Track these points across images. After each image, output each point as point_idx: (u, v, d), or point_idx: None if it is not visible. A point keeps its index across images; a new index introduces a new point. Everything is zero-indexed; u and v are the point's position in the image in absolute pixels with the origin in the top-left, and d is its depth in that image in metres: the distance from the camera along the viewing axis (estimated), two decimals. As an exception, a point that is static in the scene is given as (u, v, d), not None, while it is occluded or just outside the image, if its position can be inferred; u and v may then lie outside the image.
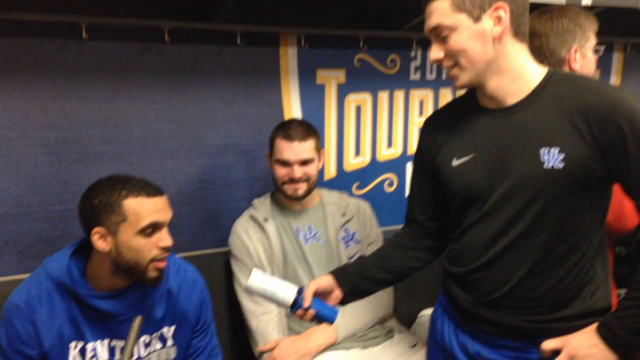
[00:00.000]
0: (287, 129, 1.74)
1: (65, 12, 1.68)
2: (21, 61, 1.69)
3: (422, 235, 1.38)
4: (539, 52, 1.41)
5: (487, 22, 1.11)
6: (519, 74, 1.15)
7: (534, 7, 1.39)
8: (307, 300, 1.25)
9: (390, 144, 2.30)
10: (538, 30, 1.42)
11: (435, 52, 1.15)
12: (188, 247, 2.00)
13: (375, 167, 2.29)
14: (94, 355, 1.29)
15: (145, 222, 1.24)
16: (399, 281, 1.41)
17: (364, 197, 2.18)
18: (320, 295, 1.30)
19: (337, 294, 1.33)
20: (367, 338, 1.76)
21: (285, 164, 1.73)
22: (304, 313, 1.27)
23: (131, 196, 1.24)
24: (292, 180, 1.73)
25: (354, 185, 2.26)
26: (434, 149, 1.28)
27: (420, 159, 1.34)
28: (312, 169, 1.76)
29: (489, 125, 1.19)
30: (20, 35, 1.68)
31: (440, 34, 1.13)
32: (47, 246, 1.78)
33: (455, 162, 1.22)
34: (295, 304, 1.26)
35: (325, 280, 1.32)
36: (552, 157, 1.10)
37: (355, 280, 1.34)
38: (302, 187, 1.75)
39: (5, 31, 1.65)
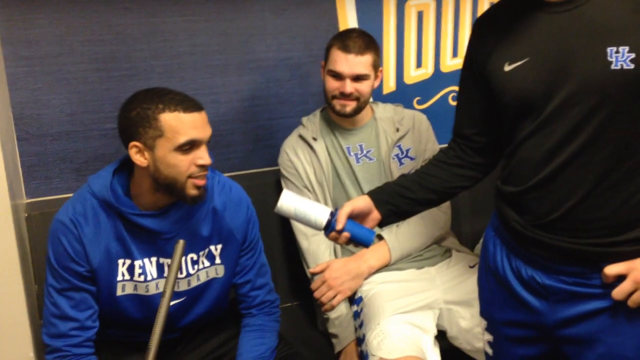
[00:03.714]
0: (345, 39, 1.61)
1: None
2: (63, -28, 1.64)
3: (471, 151, 1.27)
4: None
5: None
6: None
7: None
8: (341, 223, 1.18)
9: (455, 53, 2.11)
10: None
11: None
12: (241, 165, 1.97)
13: (439, 79, 2.13)
14: (143, 272, 1.30)
15: (182, 139, 1.19)
16: (444, 201, 1.33)
17: (426, 111, 2.03)
18: (358, 218, 1.23)
19: (375, 215, 1.25)
20: (422, 258, 1.69)
21: (338, 76, 1.62)
22: (338, 236, 1.20)
23: (168, 110, 1.19)
24: (343, 95, 1.62)
25: (415, 100, 2.12)
26: (484, 53, 1.15)
27: (469, 65, 1.22)
28: (365, 87, 1.63)
29: (547, 23, 1.04)
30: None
31: None
32: (102, 164, 1.76)
33: (508, 67, 1.08)
34: (329, 226, 1.19)
35: (362, 201, 1.24)
36: (621, 57, 0.95)
37: (394, 201, 1.26)
38: (351, 105, 1.63)
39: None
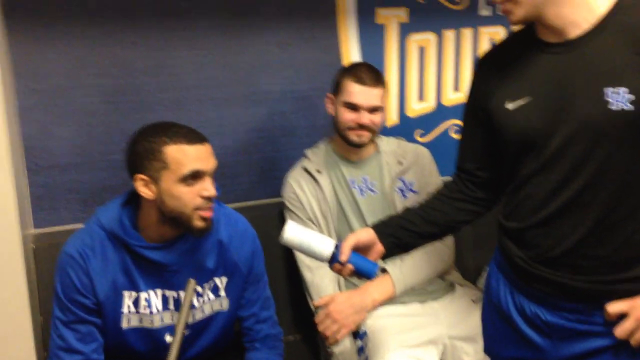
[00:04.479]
0: (358, 72, 1.66)
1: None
2: (73, 8, 1.68)
3: (473, 186, 1.28)
4: None
5: None
6: (582, 0, 1.01)
7: None
8: (345, 254, 1.18)
9: (457, 87, 2.14)
10: None
11: None
12: (245, 197, 1.98)
13: (440, 113, 2.15)
14: (148, 305, 1.31)
15: (186, 170, 1.21)
16: (447, 235, 1.34)
17: (428, 144, 2.06)
18: (361, 250, 1.23)
19: (379, 248, 1.25)
20: (426, 292, 1.70)
21: (354, 108, 1.65)
22: (342, 268, 1.20)
23: (172, 143, 1.22)
24: (359, 127, 1.66)
25: (417, 132, 2.14)
26: (487, 90, 1.17)
27: (472, 101, 1.24)
28: (379, 118, 1.68)
29: (548, 63, 1.06)
30: (72, -19, 1.66)
31: None
32: (109, 195, 1.80)
33: (510, 106, 1.10)
34: (333, 258, 1.20)
35: (366, 234, 1.25)
36: (619, 98, 0.97)
37: (398, 234, 1.27)
38: (366, 135, 1.67)
39: (57, -22, 1.63)
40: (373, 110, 1.66)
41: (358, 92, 1.64)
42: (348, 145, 1.71)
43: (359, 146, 1.69)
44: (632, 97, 0.96)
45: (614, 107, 0.97)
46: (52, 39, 1.68)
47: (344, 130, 1.68)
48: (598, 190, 1.03)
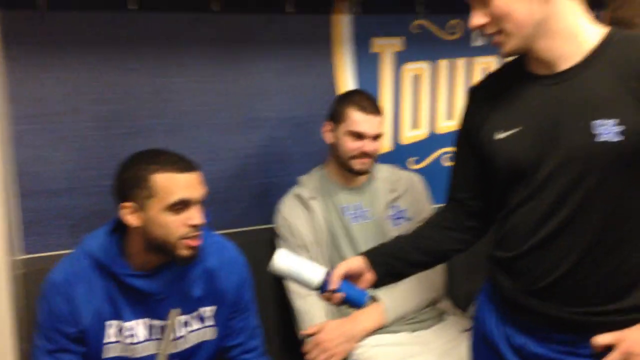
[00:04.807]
0: (360, 100, 1.68)
1: (113, -17, 1.67)
2: (72, 35, 1.70)
3: (464, 215, 1.28)
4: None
5: None
6: (572, 34, 1.03)
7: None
8: (335, 283, 1.18)
9: (450, 116, 2.16)
10: None
11: (477, 18, 1.05)
12: (238, 223, 1.97)
13: (433, 141, 2.16)
14: (132, 335, 1.30)
15: (173, 198, 1.21)
16: (438, 264, 1.34)
17: (421, 172, 2.06)
18: (352, 278, 1.23)
19: (370, 276, 1.25)
20: (416, 321, 1.68)
21: (359, 136, 1.67)
22: (332, 296, 1.20)
23: (161, 171, 1.22)
24: (363, 154, 1.67)
25: (411, 160, 2.15)
26: (478, 121, 1.18)
27: (463, 131, 1.25)
28: (379, 145, 1.72)
29: (538, 94, 1.08)
30: (69, 8, 1.68)
31: None
32: (98, 221, 1.77)
33: (500, 136, 1.11)
34: (323, 286, 1.19)
35: (357, 262, 1.25)
36: (607, 129, 0.98)
37: (388, 262, 1.27)
38: (369, 163, 1.69)
39: (55, 5, 1.65)
40: (376, 137, 1.68)
41: (363, 121, 1.65)
42: (347, 173, 1.72)
43: (361, 174, 1.71)
44: (622, 127, 0.97)
45: (601, 139, 0.99)
46: (49, 64, 1.69)
47: (348, 159, 1.68)
48: (585, 220, 1.03)
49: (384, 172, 1.80)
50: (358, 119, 1.66)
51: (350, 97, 1.71)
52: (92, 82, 1.75)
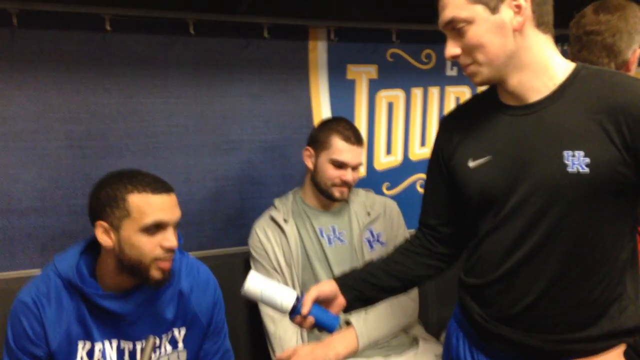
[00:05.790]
0: (345, 130, 1.69)
1: (89, 3, 1.67)
2: (45, 54, 1.69)
3: (435, 242, 1.29)
4: (608, 50, 1.35)
5: (506, 12, 1.02)
6: (542, 68, 1.06)
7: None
8: (306, 307, 1.17)
9: (423, 142, 2.20)
10: (611, 26, 1.35)
11: (451, 49, 1.07)
12: (211, 245, 1.96)
13: (407, 167, 2.20)
14: (102, 356, 1.26)
15: (148, 220, 1.20)
16: (408, 289, 1.34)
17: (395, 197, 2.09)
18: (323, 303, 1.23)
19: (341, 300, 1.25)
20: (389, 347, 1.68)
21: (341, 165, 1.68)
22: (303, 320, 1.19)
23: (137, 191, 1.20)
24: (343, 183, 1.68)
25: (384, 185, 2.17)
26: (450, 149, 1.20)
27: (435, 159, 1.26)
28: (358, 174, 1.74)
29: (508, 125, 1.10)
30: (44, 27, 1.67)
31: (455, 28, 1.05)
32: (69, 240, 1.76)
33: (471, 164, 1.14)
34: (294, 310, 1.19)
35: (328, 286, 1.24)
36: (576, 161, 1.00)
37: (359, 287, 1.26)
38: (347, 191, 1.71)
39: (29, 23, 1.64)
40: (355, 167, 1.70)
41: (346, 151, 1.67)
42: (324, 198, 1.72)
43: (338, 201, 1.72)
44: (587, 160, 0.99)
45: (570, 170, 1.01)
46: (21, 82, 1.67)
47: (328, 186, 1.69)
48: (551, 250, 1.05)
49: (359, 196, 1.81)
50: (342, 148, 1.67)
51: (334, 126, 1.72)
52: (65, 101, 1.73)
